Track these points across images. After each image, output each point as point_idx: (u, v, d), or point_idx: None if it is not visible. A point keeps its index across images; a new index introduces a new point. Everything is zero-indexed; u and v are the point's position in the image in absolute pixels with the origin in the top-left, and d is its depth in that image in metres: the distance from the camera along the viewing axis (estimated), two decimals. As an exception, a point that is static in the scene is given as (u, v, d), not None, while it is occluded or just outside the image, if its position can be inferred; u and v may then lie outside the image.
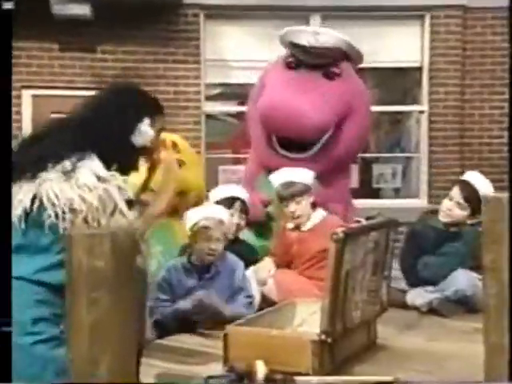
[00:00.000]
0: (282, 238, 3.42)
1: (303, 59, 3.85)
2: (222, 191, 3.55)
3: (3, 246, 1.86)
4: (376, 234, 2.47)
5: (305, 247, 3.29)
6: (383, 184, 6.19)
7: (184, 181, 3.84)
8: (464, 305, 3.16)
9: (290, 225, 3.38)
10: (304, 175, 3.37)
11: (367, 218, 2.58)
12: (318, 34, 3.76)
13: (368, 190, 6.14)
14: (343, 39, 3.85)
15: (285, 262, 3.39)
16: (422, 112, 5.96)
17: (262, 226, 3.83)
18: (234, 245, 3.34)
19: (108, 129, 2.10)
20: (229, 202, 3.41)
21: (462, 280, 3.17)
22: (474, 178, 3.42)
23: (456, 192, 3.37)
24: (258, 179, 4.06)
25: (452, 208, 3.35)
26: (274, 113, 3.70)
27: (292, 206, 3.29)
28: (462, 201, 3.33)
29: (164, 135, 4.12)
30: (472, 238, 3.21)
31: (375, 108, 6.47)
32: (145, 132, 2.25)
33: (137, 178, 3.75)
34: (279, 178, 3.41)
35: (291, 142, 3.79)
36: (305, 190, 3.32)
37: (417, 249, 3.43)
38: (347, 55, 3.94)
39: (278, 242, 3.47)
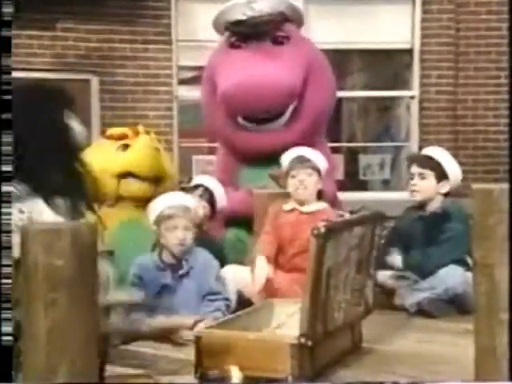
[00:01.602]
0: (274, 222, 3.42)
1: (246, 32, 3.98)
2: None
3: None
4: (360, 228, 2.49)
5: (300, 230, 3.30)
6: (371, 176, 6.23)
7: (161, 165, 3.90)
8: (455, 304, 3.20)
9: (288, 206, 3.39)
10: (318, 157, 3.45)
11: (351, 212, 2.59)
12: (252, 3, 3.87)
13: (354, 182, 6.17)
14: (280, 0, 4.00)
15: (273, 251, 3.40)
16: (412, 97, 5.99)
17: (243, 221, 3.86)
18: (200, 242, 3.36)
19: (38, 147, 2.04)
20: (192, 190, 3.47)
21: (453, 277, 3.21)
22: (428, 149, 3.65)
23: (413, 167, 3.54)
24: (239, 175, 4.09)
25: (416, 183, 3.51)
26: (242, 91, 3.80)
27: (302, 175, 3.33)
28: (421, 170, 3.48)
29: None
30: (460, 213, 3.32)
31: (362, 93, 6.56)
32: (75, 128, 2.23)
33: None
34: (292, 154, 3.46)
35: (257, 119, 3.90)
36: (317, 169, 3.38)
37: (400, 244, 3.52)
38: (288, 18, 4.09)
39: (269, 228, 3.46)
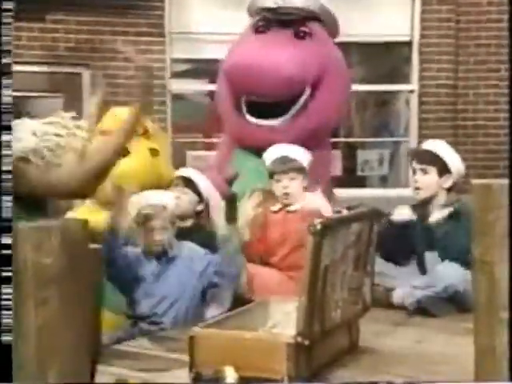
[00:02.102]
0: (261, 222, 3.43)
1: (270, 19, 4.09)
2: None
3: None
4: (358, 225, 2.49)
5: (289, 229, 3.32)
6: (369, 172, 6.25)
7: (159, 174, 3.82)
8: (455, 302, 3.21)
9: (276, 207, 3.41)
10: (301, 154, 3.45)
11: (348, 208, 2.61)
12: None
13: (352, 178, 6.19)
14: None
15: (261, 252, 3.41)
16: (411, 91, 6.01)
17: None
18: (193, 233, 3.37)
19: None
20: (177, 183, 3.47)
21: (452, 274, 3.21)
22: (428, 143, 3.64)
23: (414, 163, 3.54)
24: (230, 161, 4.10)
25: (418, 179, 3.50)
26: (244, 68, 3.87)
27: (286, 181, 3.33)
28: (423, 165, 3.48)
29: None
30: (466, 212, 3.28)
31: (360, 87, 6.56)
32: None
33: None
34: (274, 153, 3.46)
35: (262, 107, 3.91)
36: (301, 169, 3.39)
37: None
38: (319, 19, 4.15)
39: (255, 229, 3.47)
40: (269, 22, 4.12)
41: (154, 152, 3.85)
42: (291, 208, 3.39)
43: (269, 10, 4.07)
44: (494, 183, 1.77)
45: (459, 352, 2.46)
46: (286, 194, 3.37)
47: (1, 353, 1.58)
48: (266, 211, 3.42)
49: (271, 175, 3.45)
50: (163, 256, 3.05)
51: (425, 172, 3.48)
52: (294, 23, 4.09)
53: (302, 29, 4.10)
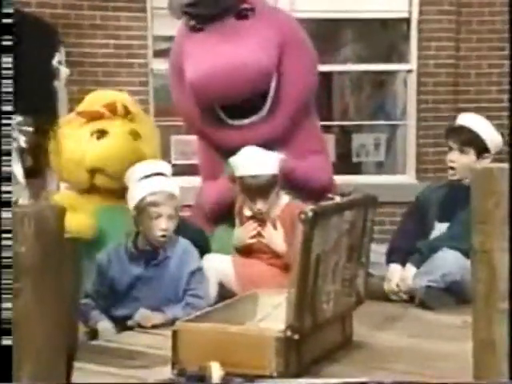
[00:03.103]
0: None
1: (204, 14, 3.91)
2: (142, 169, 3.57)
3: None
4: (351, 213, 2.51)
5: (262, 238, 3.34)
6: (364, 157, 6.26)
7: (139, 158, 3.79)
8: (453, 294, 3.25)
9: (248, 212, 3.42)
10: (271, 164, 3.38)
11: (341, 195, 2.62)
12: None
13: (346, 164, 6.20)
14: None
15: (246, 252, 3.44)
16: (409, 71, 6.01)
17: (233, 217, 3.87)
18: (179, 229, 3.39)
19: (26, 73, 2.11)
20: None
21: (450, 262, 3.24)
22: (466, 119, 3.65)
23: (452, 140, 3.56)
24: (222, 168, 4.10)
25: (455, 158, 3.53)
26: (210, 80, 3.73)
27: (259, 204, 3.32)
28: (461, 146, 3.51)
29: (112, 95, 4.12)
30: None
31: (354, 67, 6.57)
32: (61, 70, 2.31)
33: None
34: (244, 167, 3.40)
35: (236, 107, 3.86)
36: (273, 183, 3.35)
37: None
38: None
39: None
40: (201, 17, 3.93)
41: (135, 134, 3.83)
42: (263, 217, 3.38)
43: (194, 3, 3.85)
44: (495, 168, 1.79)
45: (457, 346, 2.49)
46: (259, 214, 3.36)
47: (1, 353, 1.61)
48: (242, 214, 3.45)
49: (244, 190, 3.39)
50: (154, 257, 3.04)
51: (462, 152, 3.50)
52: (230, 5, 3.91)
53: (243, 6, 3.94)
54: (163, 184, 3.08)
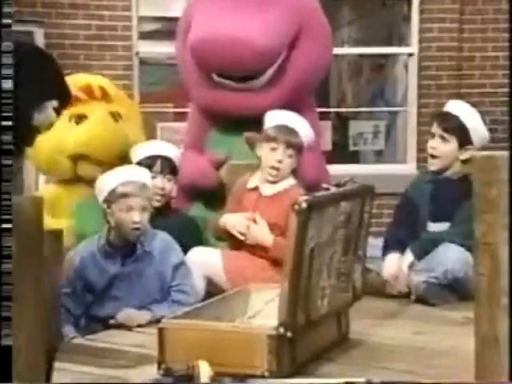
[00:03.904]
0: (239, 200, 3.45)
1: None
2: (141, 150, 3.58)
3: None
4: (348, 204, 2.52)
5: (260, 214, 3.34)
6: (362, 146, 6.28)
7: (122, 139, 3.81)
8: (456, 289, 3.27)
9: (253, 183, 3.41)
10: (307, 131, 3.44)
11: (337, 185, 2.62)
12: None
13: (344, 153, 6.22)
14: None
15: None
16: (410, 55, 6.03)
17: (213, 196, 3.88)
18: (168, 218, 3.39)
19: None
20: (150, 162, 3.45)
21: (452, 257, 3.26)
22: (454, 106, 3.64)
23: (435, 126, 3.56)
24: (207, 137, 4.10)
25: (435, 145, 3.53)
26: (209, 47, 3.80)
27: (280, 154, 3.32)
28: (443, 133, 3.51)
29: (87, 78, 4.12)
30: None
31: (352, 50, 6.58)
32: (49, 114, 2.47)
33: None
34: (278, 118, 3.43)
35: (235, 77, 3.90)
36: (301, 148, 3.38)
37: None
38: None
39: (232, 206, 3.49)
40: None
41: (116, 115, 3.84)
42: (265, 191, 3.38)
43: None
44: (498, 155, 1.80)
45: (459, 343, 2.51)
46: (276, 169, 3.36)
47: (1, 353, 1.63)
48: (243, 189, 3.44)
49: (268, 139, 3.39)
50: (131, 253, 3.03)
51: (444, 139, 3.51)
52: None
53: None
54: (134, 174, 3.09)
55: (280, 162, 3.32)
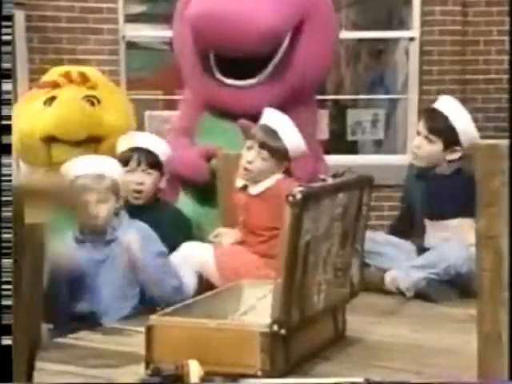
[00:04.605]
0: (233, 199, 3.47)
1: None
2: (123, 142, 3.58)
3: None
4: (345, 196, 2.53)
5: (251, 216, 3.34)
6: (360, 135, 6.28)
7: (99, 124, 3.82)
8: (457, 286, 3.29)
9: (239, 182, 3.42)
10: (295, 141, 3.35)
11: (334, 176, 2.63)
12: None
13: (341, 142, 6.23)
14: None
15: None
16: (411, 39, 6.03)
17: (204, 188, 3.89)
18: (156, 213, 3.40)
19: None
20: (128, 156, 3.46)
21: (454, 252, 3.28)
22: (444, 104, 3.58)
23: (421, 124, 3.56)
24: (198, 124, 4.11)
25: (420, 144, 3.53)
26: (213, 20, 3.77)
27: (253, 154, 3.29)
28: (428, 134, 3.49)
29: (74, 67, 4.13)
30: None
31: (350, 35, 6.58)
32: None
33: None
34: (268, 117, 3.38)
35: (234, 63, 3.87)
36: (281, 155, 3.31)
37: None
38: None
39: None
40: None
41: (93, 100, 3.85)
42: (251, 191, 3.37)
43: None
44: (501, 144, 1.81)
45: (461, 341, 2.53)
46: (245, 169, 3.32)
47: (1, 353, 1.65)
48: (234, 186, 3.45)
49: (247, 136, 3.39)
50: (99, 240, 3.05)
51: (429, 141, 3.49)
52: None
53: None
54: (92, 163, 3.10)
55: (250, 162, 3.29)
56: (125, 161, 3.40)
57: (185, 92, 4.39)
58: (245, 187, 3.40)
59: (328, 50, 4.21)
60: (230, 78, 3.95)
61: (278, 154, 3.29)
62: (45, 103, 3.83)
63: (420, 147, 3.53)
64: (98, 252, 3.05)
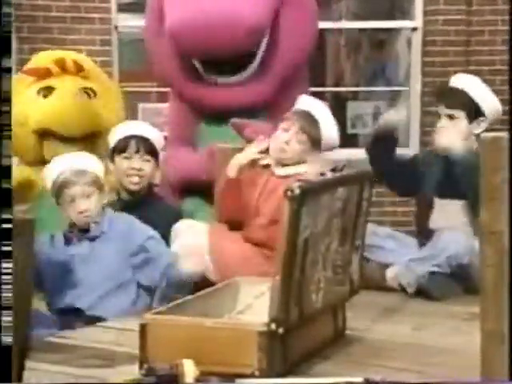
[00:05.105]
0: (251, 177, 3.47)
1: None
2: (117, 132, 3.62)
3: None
4: (345, 190, 2.53)
5: (269, 196, 3.36)
6: (361, 128, 6.29)
7: (93, 117, 3.82)
8: (460, 280, 3.30)
9: (266, 160, 3.44)
10: (332, 136, 3.46)
11: (333, 170, 2.64)
12: None
13: (341, 136, 6.21)
14: None
15: (232, 216, 3.46)
16: (414, 29, 6.03)
17: (206, 190, 3.90)
18: (150, 206, 3.44)
19: None
20: (125, 143, 3.51)
21: (455, 242, 3.28)
22: (458, 80, 3.65)
23: (440, 105, 3.59)
24: (197, 133, 4.11)
25: (444, 125, 3.54)
26: (193, 29, 3.76)
27: (287, 135, 3.34)
28: (449, 111, 3.52)
29: (62, 53, 4.12)
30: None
31: (351, 25, 6.57)
32: None
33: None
34: (307, 104, 3.46)
35: (221, 63, 3.90)
36: (315, 142, 3.38)
37: None
38: None
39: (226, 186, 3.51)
40: None
41: (89, 92, 3.85)
42: (278, 171, 3.41)
43: None
44: (505, 137, 1.82)
45: (463, 340, 2.54)
46: (283, 151, 3.37)
47: (1, 353, 1.68)
48: (254, 161, 3.46)
49: (283, 119, 3.43)
50: (85, 235, 3.11)
51: (451, 118, 3.52)
52: None
53: None
54: (74, 159, 3.16)
55: (287, 143, 3.35)
56: (122, 148, 3.48)
57: (172, 100, 4.39)
58: (268, 166, 3.43)
59: (310, 27, 4.20)
60: (220, 77, 3.96)
61: (314, 141, 3.37)
62: (38, 93, 3.81)
63: (444, 127, 3.53)
64: (84, 247, 3.10)
